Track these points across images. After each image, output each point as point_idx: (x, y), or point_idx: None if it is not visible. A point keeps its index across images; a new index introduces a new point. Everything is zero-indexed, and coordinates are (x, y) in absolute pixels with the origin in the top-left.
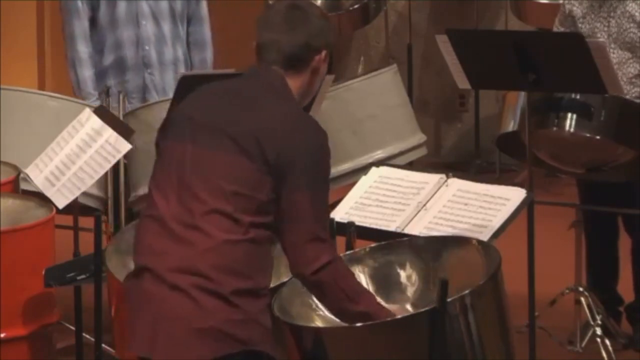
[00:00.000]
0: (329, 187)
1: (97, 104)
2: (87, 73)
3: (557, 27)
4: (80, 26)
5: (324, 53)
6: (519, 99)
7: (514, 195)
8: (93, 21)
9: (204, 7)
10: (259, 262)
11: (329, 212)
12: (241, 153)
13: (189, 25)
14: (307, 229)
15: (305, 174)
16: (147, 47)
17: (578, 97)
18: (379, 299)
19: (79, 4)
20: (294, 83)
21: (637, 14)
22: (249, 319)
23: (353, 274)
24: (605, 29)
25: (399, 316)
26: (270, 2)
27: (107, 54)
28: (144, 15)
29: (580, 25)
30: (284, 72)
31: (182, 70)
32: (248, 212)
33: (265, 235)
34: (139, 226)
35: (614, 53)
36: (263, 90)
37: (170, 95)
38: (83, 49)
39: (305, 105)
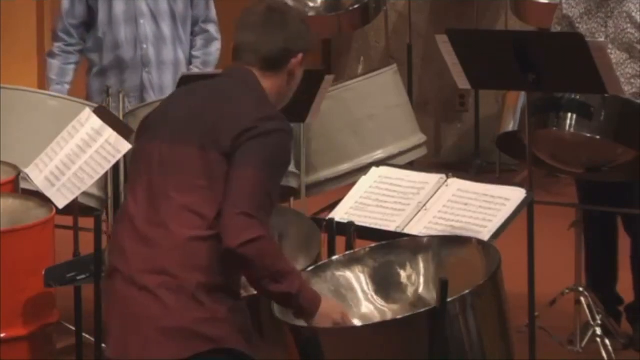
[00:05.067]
0: (278, 177)
1: (58, 88)
2: (54, 61)
3: (554, 27)
4: (62, 23)
5: (300, 56)
6: (519, 99)
7: (514, 195)
8: (92, 21)
9: (212, 10)
10: (224, 259)
11: (271, 199)
12: (203, 146)
13: (195, 25)
14: (238, 202)
15: (252, 153)
16: (145, 46)
17: (578, 97)
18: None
19: (67, 4)
20: (270, 83)
21: (635, 14)
22: (216, 318)
23: (282, 255)
24: (603, 29)
25: (399, 316)
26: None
27: (105, 53)
28: (142, 15)
29: (577, 25)
30: (260, 72)
31: (183, 71)
32: (214, 206)
33: None
34: (114, 227)
35: (612, 54)
36: (234, 86)
37: (167, 95)
38: (57, 44)
39: (303, 106)
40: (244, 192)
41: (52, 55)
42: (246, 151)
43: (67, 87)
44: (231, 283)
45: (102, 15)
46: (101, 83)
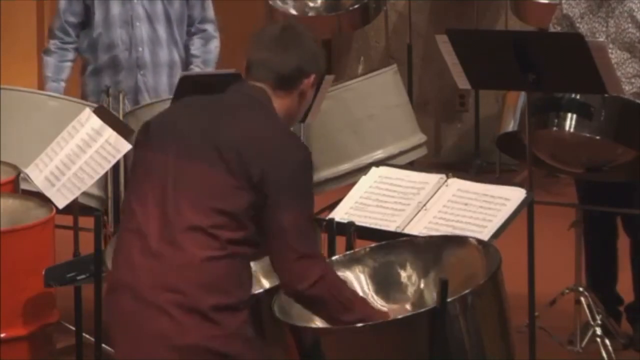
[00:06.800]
0: (312, 202)
1: (54, 85)
2: (50, 59)
3: (554, 27)
4: (59, 21)
5: (312, 77)
6: (519, 99)
7: (514, 195)
8: (87, 20)
9: (209, 10)
10: (238, 278)
11: (314, 227)
12: (224, 168)
13: (191, 26)
14: (295, 247)
15: (289, 192)
16: (140, 49)
17: (578, 97)
18: (376, 300)
19: (64, 2)
20: (280, 103)
21: (636, 13)
22: (229, 334)
23: (345, 283)
24: (604, 29)
25: (399, 316)
26: (271, 2)
27: (100, 53)
28: (138, 17)
29: (578, 25)
30: (271, 90)
31: (179, 72)
32: (228, 228)
33: (244, 250)
34: (118, 239)
35: (612, 53)
36: (246, 104)
37: (162, 97)
38: (53, 41)
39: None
40: (296, 234)
41: (48, 52)
42: (281, 190)
43: (62, 84)
44: (242, 299)
45: (98, 16)
46: (95, 83)
